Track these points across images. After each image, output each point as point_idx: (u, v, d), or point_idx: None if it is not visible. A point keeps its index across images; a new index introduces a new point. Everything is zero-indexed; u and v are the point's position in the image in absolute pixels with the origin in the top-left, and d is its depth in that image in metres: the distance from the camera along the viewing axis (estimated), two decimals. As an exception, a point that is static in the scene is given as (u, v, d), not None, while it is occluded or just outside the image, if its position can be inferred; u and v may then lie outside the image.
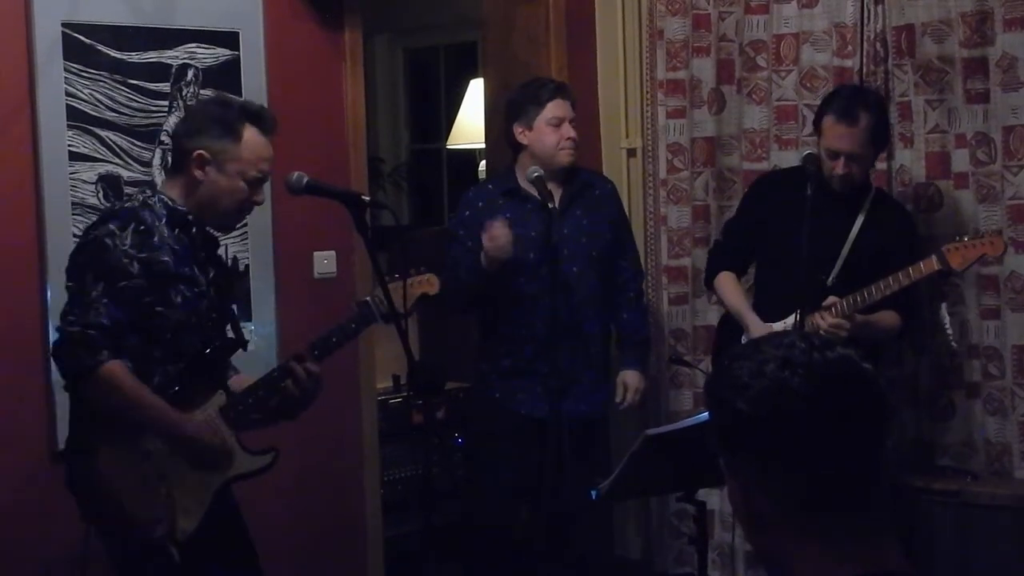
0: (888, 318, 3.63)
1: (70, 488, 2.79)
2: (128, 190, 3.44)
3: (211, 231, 2.92)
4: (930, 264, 3.46)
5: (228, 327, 2.99)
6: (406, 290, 2.88)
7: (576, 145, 3.81)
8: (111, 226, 2.72)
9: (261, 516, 3.62)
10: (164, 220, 2.78)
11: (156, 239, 2.74)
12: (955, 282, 3.98)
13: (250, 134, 2.82)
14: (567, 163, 3.80)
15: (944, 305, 3.78)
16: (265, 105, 3.09)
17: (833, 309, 3.51)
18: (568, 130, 3.79)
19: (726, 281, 3.91)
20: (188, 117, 2.99)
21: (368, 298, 2.96)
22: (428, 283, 3.03)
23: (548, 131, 3.78)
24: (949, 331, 3.76)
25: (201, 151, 2.78)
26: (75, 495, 2.78)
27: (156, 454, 2.74)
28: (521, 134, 3.83)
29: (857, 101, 3.59)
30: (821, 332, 3.47)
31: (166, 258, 2.75)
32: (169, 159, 2.96)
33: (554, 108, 3.79)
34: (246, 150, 2.81)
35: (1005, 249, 3.57)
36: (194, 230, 2.83)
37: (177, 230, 2.79)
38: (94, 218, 2.98)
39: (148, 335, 2.75)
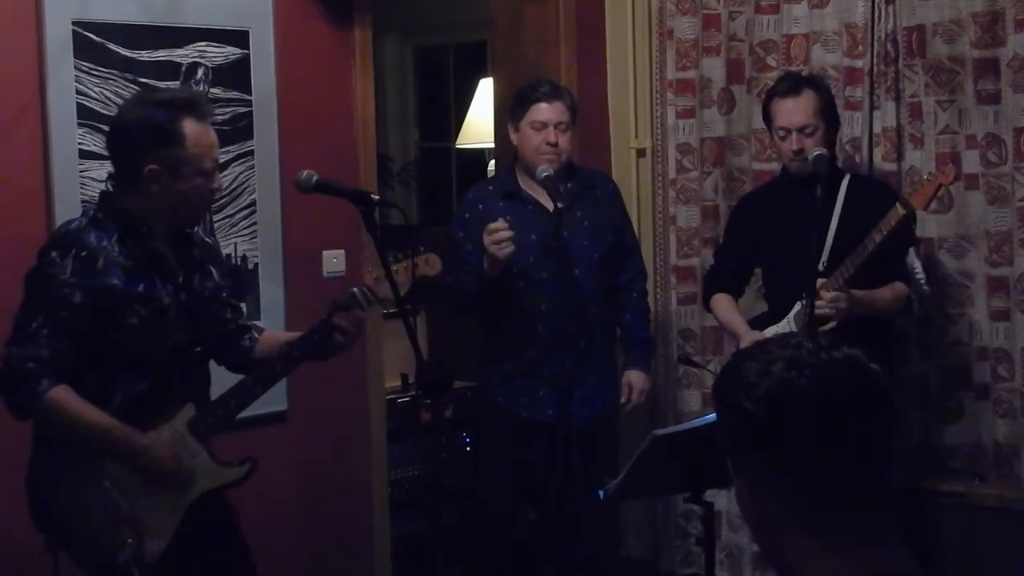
0: (887, 291, 3.65)
1: (32, 517, 2.73)
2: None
3: (183, 229, 2.83)
4: (895, 213, 3.46)
5: (223, 319, 2.93)
6: (414, 269, 2.81)
7: (559, 151, 3.72)
8: (52, 254, 2.63)
9: (269, 515, 3.64)
10: (115, 236, 2.67)
11: (101, 263, 2.63)
12: (965, 283, 3.98)
13: (190, 128, 2.67)
14: (548, 170, 3.69)
15: (913, 250, 3.77)
16: (197, 89, 2.93)
17: (826, 285, 3.51)
18: (550, 135, 3.71)
19: (720, 302, 3.97)
20: (123, 128, 2.73)
21: (355, 289, 2.88)
22: (428, 264, 2.89)
23: (531, 134, 3.74)
24: (920, 276, 3.78)
25: (152, 167, 2.65)
26: (37, 525, 2.73)
27: (117, 477, 2.68)
28: (512, 135, 3.82)
29: (798, 79, 3.77)
30: (822, 309, 3.48)
31: (114, 281, 2.64)
32: (114, 169, 2.80)
33: (538, 111, 3.73)
34: (192, 146, 2.67)
35: (956, 176, 3.62)
36: (151, 239, 2.72)
37: (131, 242, 2.69)
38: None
39: (105, 357, 2.68)
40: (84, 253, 2.63)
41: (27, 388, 2.61)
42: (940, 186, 3.51)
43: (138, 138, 2.67)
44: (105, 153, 3.42)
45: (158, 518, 2.71)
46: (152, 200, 2.69)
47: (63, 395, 2.62)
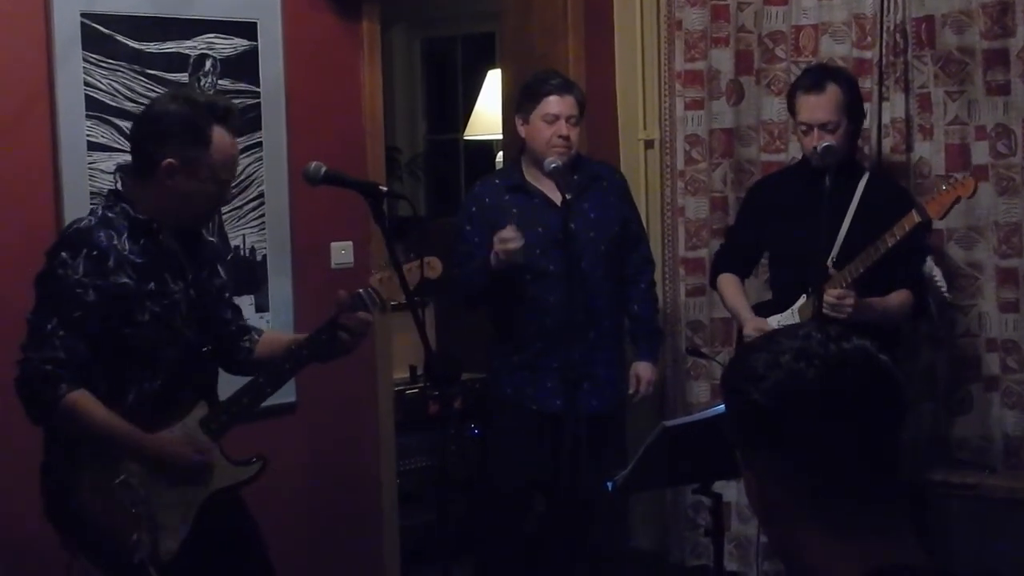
0: (896, 297, 3.63)
1: (48, 517, 2.72)
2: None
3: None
4: (911, 219, 3.43)
5: (225, 319, 2.92)
6: (421, 272, 2.81)
7: (570, 144, 3.74)
8: (63, 255, 2.61)
9: (277, 506, 3.64)
10: (125, 234, 2.66)
11: (112, 261, 2.62)
12: (974, 275, 3.97)
13: (218, 135, 2.68)
14: (557, 162, 3.70)
15: (930, 258, 3.76)
16: (233, 102, 2.91)
17: (833, 282, 3.50)
18: (562, 128, 3.72)
19: (727, 283, 3.96)
20: (151, 120, 2.73)
21: (361, 290, 2.88)
22: (431, 267, 2.89)
23: (542, 127, 3.74)
24: (940, 283, 3.76)
25: (171, 160, 2.64)
26: (53, 524, 2.72)
27: (133, 477, 2.68)
28: (521, 127, 3.82)
29: (824, 74, 3.70)
30: (825, 307, 3.47)
31: (125, 280, 2.64)
32: (132, 160, 2.79)
33: (550, 104, 3.73)
34: (216, 153, 2.67)
35: (975, 189, 3.54)
36: (160, 236, 2.71)
37: (142, 240, 2.68)
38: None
39: (118, 355, 2.67)
40: (95, 252, 2.62)
41: (46, 393, 2.59)
42: (959, 198, 3.47)
43: (165, 130, 2.67)
44: (114, 145, 3.46)
45: (173, 516, 2.71)
46: (162, 196, 2.69)
47: (81, 400, 2.61)
